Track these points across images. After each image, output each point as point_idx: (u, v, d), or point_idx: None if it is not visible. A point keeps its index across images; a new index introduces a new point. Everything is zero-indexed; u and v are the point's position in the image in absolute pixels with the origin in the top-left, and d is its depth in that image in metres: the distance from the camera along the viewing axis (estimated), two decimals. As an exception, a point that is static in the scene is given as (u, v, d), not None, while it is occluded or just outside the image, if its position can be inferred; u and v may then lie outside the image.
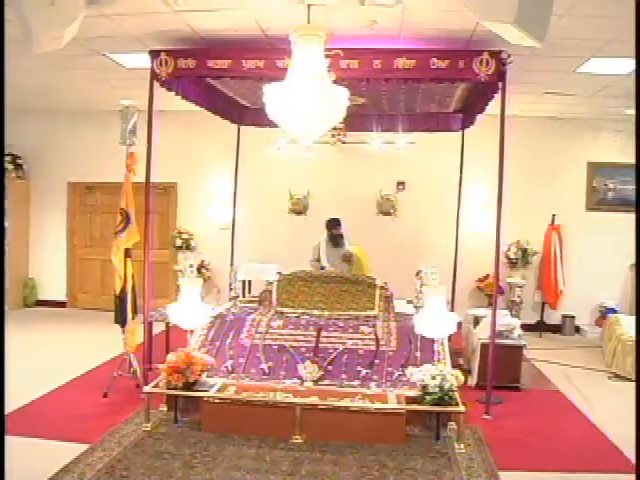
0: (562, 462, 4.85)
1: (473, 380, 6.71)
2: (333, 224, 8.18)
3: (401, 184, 10.20)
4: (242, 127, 9.09)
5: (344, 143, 8.79)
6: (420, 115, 8.87)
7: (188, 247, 10.28)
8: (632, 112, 7.29)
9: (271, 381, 5.60)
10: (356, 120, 8.25)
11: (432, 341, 5.85)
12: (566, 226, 9.97)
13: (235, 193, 9.42)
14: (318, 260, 8.18)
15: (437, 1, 4.98)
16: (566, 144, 9.97)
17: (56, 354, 7.85)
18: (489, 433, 5.39)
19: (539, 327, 9.92)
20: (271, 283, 7.01)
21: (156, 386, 5.35)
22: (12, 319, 9.89)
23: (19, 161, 10.82)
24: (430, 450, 4.96)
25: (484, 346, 6.49)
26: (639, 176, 6.69)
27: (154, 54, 6.02)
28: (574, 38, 5.67)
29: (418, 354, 5.83)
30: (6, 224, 10.70)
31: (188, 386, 5.26)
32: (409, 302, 7.40)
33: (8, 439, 4.80)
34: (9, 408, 5.52)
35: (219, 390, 5.31)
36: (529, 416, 5.95)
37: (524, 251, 9.76)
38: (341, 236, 8.20)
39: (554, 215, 9.88)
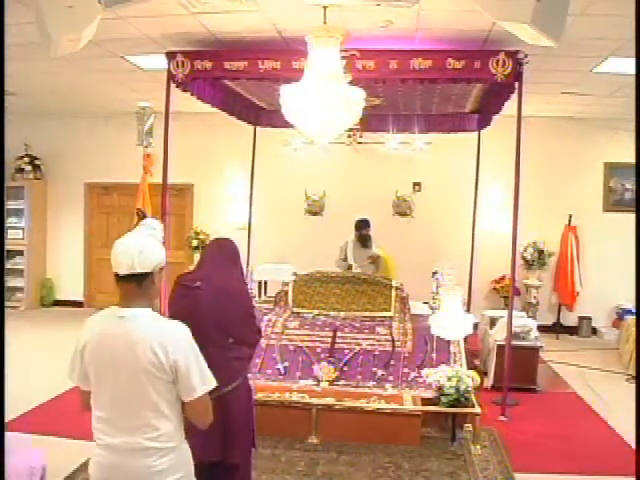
0: (578, 465, 4.83)
1: (489, 382, 6.69)
2: (362, 225, 8.17)
3: (417, 185, 10.18)
4: (258, 128, 9.12)
5: (360, 144, 8.80)
6: (436, 116, 8.86)
7: (204, 247, 10.29)
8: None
9: (287, 381, 5.61)
10: (372, 121, 8.27)
11: (448, 342, 5.84)
12: (583, 227, 9.90)
13: (251, 194, 9.46)
14: (345, 259, 8.18)
15: (453, 1, 4.97)
16: (583, 144, 9.90)
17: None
18: (505, 435, 5.37)
19: (555, 329, 9.85)
20: (287, 284, 7.03)
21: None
22: (30, 319, 10.00)
23: (37, 162, 10.90)
24: (446, 452, 4.95)
25: (500, 347, 6.47)
26: (639, 176, 6.66)
27: (171, 56, 6.06)
28: (591, 38, 5.63)
29: (434, 355, 5.81)
30: (23, 225, 10.85)
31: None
32: (425, 303, 7.38)
33: (25, 437, 4.87)
34: (27, 407, 5.59)
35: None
36: (545, 418, 5.92)
37: (540, 252, 9.69)
38: (369, 237, 8.20)
39: (571, 216, 9.82)
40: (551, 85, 7.61)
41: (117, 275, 2.46)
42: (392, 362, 5.80)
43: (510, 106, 6.24)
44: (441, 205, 10.03)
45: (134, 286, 2.43)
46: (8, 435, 1.69)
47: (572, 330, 9.94)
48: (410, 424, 5.07)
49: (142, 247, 2.42)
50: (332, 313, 6.66)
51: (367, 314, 6.63)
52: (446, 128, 8.91)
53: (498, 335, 6.72)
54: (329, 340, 6.02)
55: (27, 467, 1.56)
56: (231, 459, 3.32)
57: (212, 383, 2.45)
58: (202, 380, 2.40)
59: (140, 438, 2.35)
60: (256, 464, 4.53)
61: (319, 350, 5.94)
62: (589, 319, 9.92)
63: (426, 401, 5.20)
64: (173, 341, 2.37)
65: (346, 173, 10.06)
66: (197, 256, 10.28)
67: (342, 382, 5.60)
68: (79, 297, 11.20)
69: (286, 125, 5.21)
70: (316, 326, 6.34)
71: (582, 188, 9.96)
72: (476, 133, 8.72)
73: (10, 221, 10.74)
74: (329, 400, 5.18)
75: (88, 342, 2.44)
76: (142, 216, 6.43)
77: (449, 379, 5.07)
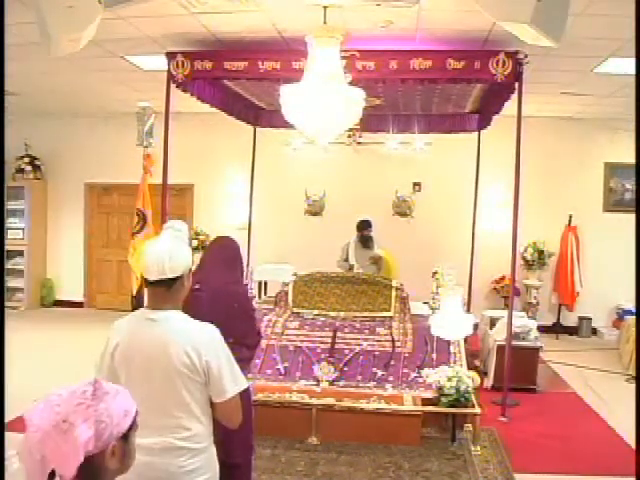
0: (578, 465, 4.83)
1: (489, 382, 6.69)
2: (364, 225, 8.16)
3: (417, 185, 10.17)
4: (258, 128, 9.12)
5: (360, 144, 8.80)
6: (436, 116, 8.86)
7: (205, 248, 10.28)
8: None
9: (287, 382, 5.61)
10: (372, 121, 8.27)
11: (448, 343, 5.84)
12: (583, 227, 9.89)
13: (251, 194, 9.46)
14: (346, 260, 8.17)
15: (453, 1, 4.97)
16: (583, 145, 9.90)
17: (74, 353, 7.88)
18: (505, 435, 5.37)
19: (555, 329, 9.84)
20: (287, 284, 7.03)
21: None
22: (30, 319, 9.99)
23: (37, 162, 10.89)
24: (446, 452, 4.95)
25: (500, 348, 6.47)
26: (639, 176, 6.66)
27: (171, 56, 6.06)
28: (591, 38, 5.63)
29: (434, 356, 5.81)
30: (23, 225, 10.85)
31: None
32: (425, 303, 7.38)
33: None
34: (27, 407, 5.58)
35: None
36: (545, 418, 5.92)
37: (540, 252, 9.69)
38: (371, 238, 8.19)
39: (571, 216, 9.81)
40: (551, 85, 7.60)
41: (147, 280, 2.44)
42: (392, 362, 5.80)
43: (510, 106, 6.24)
44: (441, 205, 10.01)
45: (164, 290, 2.43)
46: (110, 385, 1.81)
47: (572, 330, 9.94)
48: (410, 424, 5.07)
49: (172, 252, 2.43)
50: (332, 313, 6.66)
51: (367, 314, 6.63)
52: (446, 128, 8.91)
53: (498, 335, 6.72)
54: (329, 340, 6.02)
55: (122, 410, 1.70)
56: (232, 459, 3.33)
57: (244, 383, 2.47)
58: (234, 381, 2.42)
59: (171, 438, 2.36)
60: (256, 464, 4.53)
61: (319, 350, 5.93)
62: (589, 319, 9.91)
63: (426, 401, 5.20)
64: (205, 343, 2.39)
65: (346, 173, 10.05)
66: (197, 256, 10.29)
67: (342, 382, 5.60)
68: (79, 297, 11.17)
69: (286, 125, 5.21)
70: (316, 326, 6.34)
71: (582, 188, 9.95)
72: (476, 133, 8.72)
73: (10, 221, 10.74)
74: (329, 400, 5.18)
75: (120, 343, 2.44)
76: (142, 216, 6.43)
77: (449, 379, 5.07)
